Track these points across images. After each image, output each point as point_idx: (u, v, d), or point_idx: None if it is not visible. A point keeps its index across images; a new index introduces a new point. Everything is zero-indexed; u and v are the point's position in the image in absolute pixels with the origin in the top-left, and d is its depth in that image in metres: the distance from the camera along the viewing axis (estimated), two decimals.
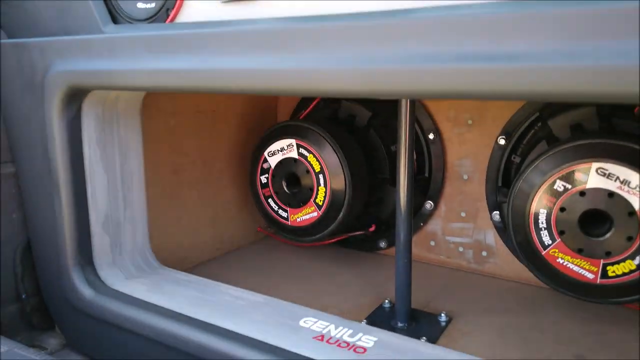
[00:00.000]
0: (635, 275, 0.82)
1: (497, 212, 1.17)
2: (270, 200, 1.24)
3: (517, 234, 0.91)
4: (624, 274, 0.83)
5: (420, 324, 0.99)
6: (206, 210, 1.32)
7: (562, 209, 0.86)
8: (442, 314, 1.00)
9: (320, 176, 1.13)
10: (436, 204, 1.27)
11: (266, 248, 1.43)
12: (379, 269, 1.27)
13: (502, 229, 1.18)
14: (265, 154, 1.22)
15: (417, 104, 1.21)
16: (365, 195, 1.20)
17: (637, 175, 0.78)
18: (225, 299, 0.92)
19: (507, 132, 1.14)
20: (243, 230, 1.44)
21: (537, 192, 0.88)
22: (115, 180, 1.01)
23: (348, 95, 0.75)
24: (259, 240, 1.49)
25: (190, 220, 1.27)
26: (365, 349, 0.75)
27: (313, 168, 1.14)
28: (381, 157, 1.25)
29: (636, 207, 0.80)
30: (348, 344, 0.76)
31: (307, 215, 1.17)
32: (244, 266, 1.29)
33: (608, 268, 0.84)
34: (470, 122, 1.20)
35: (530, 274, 1.15)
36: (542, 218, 0.88)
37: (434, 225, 1.29)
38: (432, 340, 0.93)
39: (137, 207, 1.06)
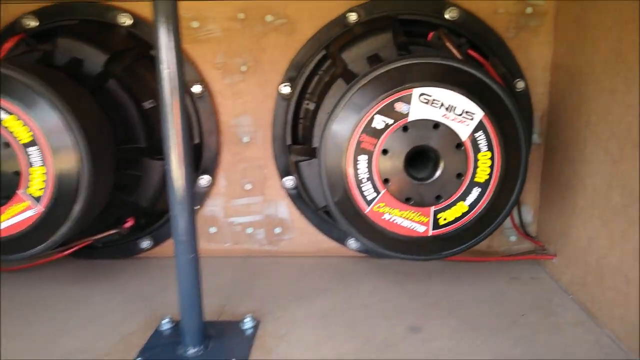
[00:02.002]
0: (467, 218, 0.70)
1: (290, 177, 0.96)
2: None
3: (334, 193, 0.70)
4: (456, 219, 0.70)
5: (220, 341, 0.71)
6: None
7: (384, 152, 0.69)
8: (246, 319, 0.75)
9: (33, 151, 0.70)
10: (213, 177, 0.98)
11: None
12: (144, 279, 0.92)
13: (296, 195, 0.98)
14: None
15: None
16: (112, 175, 0.81)
17: (462, 97, 0.66)
18: None
19: (290, 78, 0.93)
20: None
21: (353, 134, 0.68)
22: None
23: None
24: None
25: None
26: None
27: (16, 139, 0.70)
28: (131, 118, 0.87)
29: (463, 138, 0.68)
30: None
31: (16, 216, 0.72)
32: None
33: (439, 216, 0.70)
34: (244, 68, 0.95)
35: (333, 244, 1.00)
36: (362, 167, 0.69)
37: (213, 206, 1.01)
38: (243, 358, 0.66)
39: None
